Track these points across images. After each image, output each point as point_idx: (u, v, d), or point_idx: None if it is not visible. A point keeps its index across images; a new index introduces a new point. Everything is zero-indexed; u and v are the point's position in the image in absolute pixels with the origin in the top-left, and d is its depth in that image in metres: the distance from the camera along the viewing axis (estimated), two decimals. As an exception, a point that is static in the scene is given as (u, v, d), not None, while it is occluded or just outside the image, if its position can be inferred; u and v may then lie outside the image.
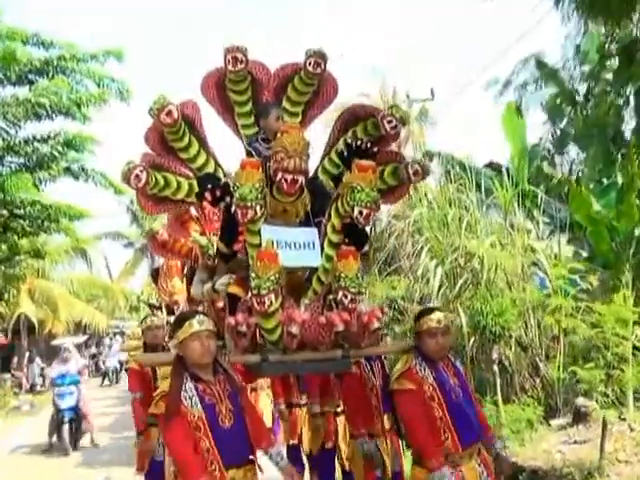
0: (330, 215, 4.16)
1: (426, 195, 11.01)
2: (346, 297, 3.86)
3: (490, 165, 14.22)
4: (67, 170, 14.40)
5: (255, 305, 3.73)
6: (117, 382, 23.40)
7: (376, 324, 4.03)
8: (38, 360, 24.09)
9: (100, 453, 11.17)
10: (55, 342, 26.24)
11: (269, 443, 3.89)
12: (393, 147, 4.89)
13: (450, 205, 10.37)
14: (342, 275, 3.84)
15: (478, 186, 10.65)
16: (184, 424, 3.54)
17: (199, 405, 3.58)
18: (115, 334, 31.59)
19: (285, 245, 4.01)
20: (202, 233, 5.74)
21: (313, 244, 4.13)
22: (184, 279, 7.54)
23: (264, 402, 8.66)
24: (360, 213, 3.92)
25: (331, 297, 4.03)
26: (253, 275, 3.71)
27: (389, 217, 13.75)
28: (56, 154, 13.83)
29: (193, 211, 5.92)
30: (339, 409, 5.46)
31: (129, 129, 4.34)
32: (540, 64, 12.12)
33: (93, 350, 29.85)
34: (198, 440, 3.53)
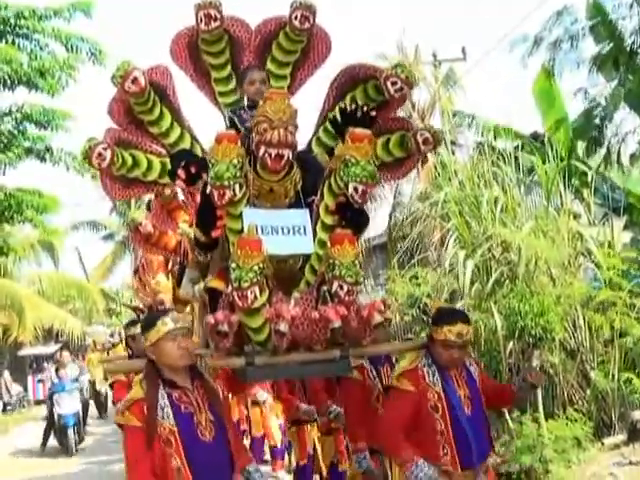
0: (323, 194, 4.24)
1: (455, 173, 11.01)
2: (342, 288, 3.90)
3: (535, 136, 14.15)
4: (30, 151, 14.46)
5: (237, 300, 3.78)
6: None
7: (378, 318, 4.09)
8: (7, 375, 24.22)
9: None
10: (23, 352, 26.45)
11: (247, 460, 3.96)
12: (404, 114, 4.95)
13: (484, 185, 10.38)
14: (337, 263, 3.89)
15: (518, 162, 10.66)
16: (157, 443, 3.58)
17: (171, 417, 3.63)
18: (61, 349, 23.59)
19: (272, 230, 4.10)
20: (192, 224, 5.80)
21: (304, 228, 4.21)
22: (169, 275, 7.63)
23: (271, 419, 8.83)
24: (355, 190, 4.00)
25: (325, 288, 4.08)
26: (233, 266, 3.75)
27: (412, 200, 13.81)
28: (16, 132, 13.90)
29: (181, 197, 5.98)
30: None
31: (105, 99, 4.38)
32: (595, 10, 11.90)
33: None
34: (168, 457, 3.57)
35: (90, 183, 16.78)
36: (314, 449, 6.82)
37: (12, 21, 13.33)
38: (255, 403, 8.88)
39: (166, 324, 3.73)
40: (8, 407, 23.09)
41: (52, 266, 29.05)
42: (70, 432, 13.64)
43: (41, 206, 15.07)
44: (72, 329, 25.48)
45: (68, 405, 13.90)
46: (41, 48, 13.85)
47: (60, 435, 13.94)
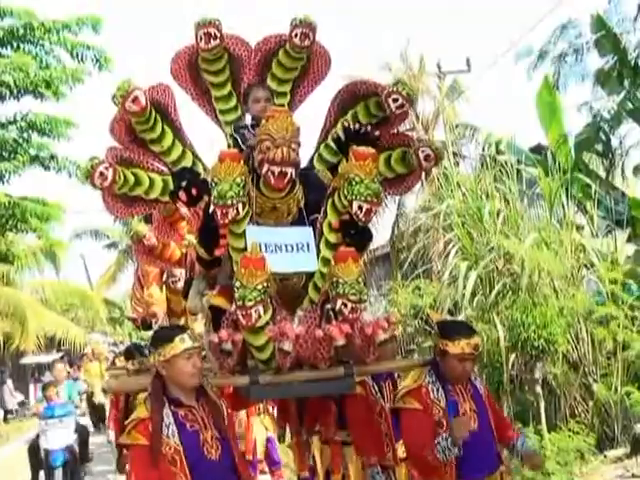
0: (326, 211, 4.24)
1: (458, 185, 11.05)
2: (346, 306, 3.89)
3: (538, 149, 14.18)
4: (35, 159, 14.53)
5: (240, 319, 3.77)
6: None
7: (382, 336, 4.08)
8: (9, 383, 24.24)
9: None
10: (25, 360, 26.43)
11: (247, 476, 3.96)
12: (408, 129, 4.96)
13: (487, 197, 10.42)
14: (340, 281, 3.88)
15: (520, 174, 10.69)
16: (162, 462, 3.57)
17: (177, 435, 3.63)
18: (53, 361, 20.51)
19: (275, 248, 4.10)
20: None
21: (308, 245, 4.20)
22: (163, 287, 7.63)
23: (258, 430, 8.79)
24: (359, 208, 3.99)
25: (329, 307, 4.08)
26: (237, 284, 3.74)
27: (415, 211, 13.84)
28: (20, 141, 13.96)
29: (184, 210, 5.99)
30: (349, 438, 5.52)
31: (111, 109, 4.40)
32: (600, 24, 11.97)
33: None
34: (173, 476, 3.56)
35: (92, 192, 16.68)
36: (314, 460, 6.80)
37: (21, 32, 13.40)
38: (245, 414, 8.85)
39: (184, 341, 3.71)
40: (9, 415, 23.06)
41: (54, 275, 29.03)
42: (58, 475, 10.05)
43: (45, 214, 15.10)
44: (74, 337, 25.45)
45: (58, 438, 10.16)
46: (46, 53, 13.91)
47: (47, 477, 10.20)
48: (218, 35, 4.48)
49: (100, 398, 16.65)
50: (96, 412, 17.95)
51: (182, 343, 3.70)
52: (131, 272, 35.04)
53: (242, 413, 8.51)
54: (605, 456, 8.29)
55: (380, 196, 4.07)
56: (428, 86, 17.75)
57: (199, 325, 8.00)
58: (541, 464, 4.83)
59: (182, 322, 6.06)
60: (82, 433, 11.08)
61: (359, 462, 5.32)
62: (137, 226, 6.80)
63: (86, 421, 15.41)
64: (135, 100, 4.18)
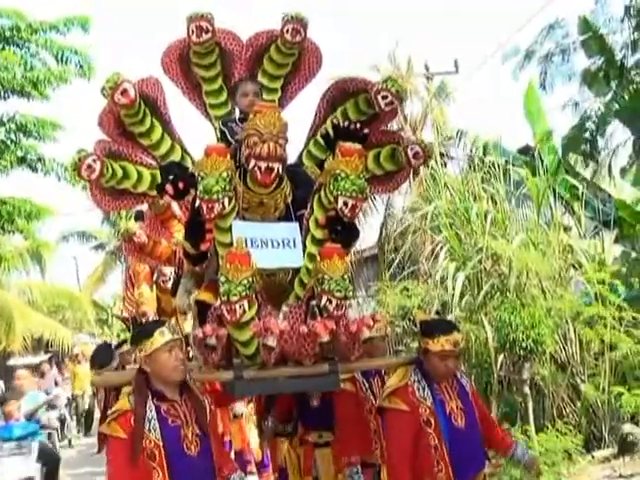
0: (313, 207, 4.25)
1: (446, 186, 11.05)
2: (331, 302, 3.89)
3: (526, 150, 14.22)
4: (22, 160, 14.47)
5: (225, 314, 3.78)
6: None
7: (367, 333, 4.10)
8: (0, 384, 24.07)
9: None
10: (11, 362, 26.25)
11: (231, 468, 3.98)
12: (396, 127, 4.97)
13: (474, 198, 10.43)
14: (326, 277, 3.88)
15: (508, 175, 10.71)
16: (141, 456, 3.55)
17: (158, 430, 3.60)
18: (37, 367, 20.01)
19: (261, 243, 4.11)
20: None
21: (294, 241, 4.22)
22: (153, 287, 7.61)
23: (250, 432, 8.78)
24: (345, 204, 4.00)
25: (314, 303, 4.07)
26: (222, 279, 3.75)
27: (403, 212, 13.84)
28: (8, 142, 13.90)
29: (175, 208, 5.94)
30: (321, 440, 5.45)
31: (96, 111, 4.39)
32: (586, 25, 12.01)
33: None
34: (150, 471, 3.54)
35: (81, 193, 16.65)
36: (285, 462, 6.73)
37: (7, 33, 13.35)
38: (235, 417, 8.82)
39: (163, 334, 3.68)
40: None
41: (52, 275, 28.92)
42: None
43: (33, 214, 15.03)
44: (62, 339, 25.27)
45: (13, 468, 8.13)
46: (32, 55, 13.87)
47: None
48: (210, 29, 4.49)
49: (89, 402, 16.38)
50: (86, 419, 17.50)
51: (162, 336, 3.68)
52: (119, 273, 35.18)
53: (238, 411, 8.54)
54: (593, 456, 8.31)
55: (365, 192, 4.08)
56: (416, 87, 17.79)
57: (189, 324, 8.01)
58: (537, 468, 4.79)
59: (173, 322, 6.01)
60: (49, 461, 8.83)
61: (332, 466, 5.26)
62: (127, 224, 6.76)
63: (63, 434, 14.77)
64: (124, 92, 4.18)
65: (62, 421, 14.05)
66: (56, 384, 15.79)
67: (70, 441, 15.64)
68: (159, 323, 3.90)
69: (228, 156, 4.01)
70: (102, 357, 6.28)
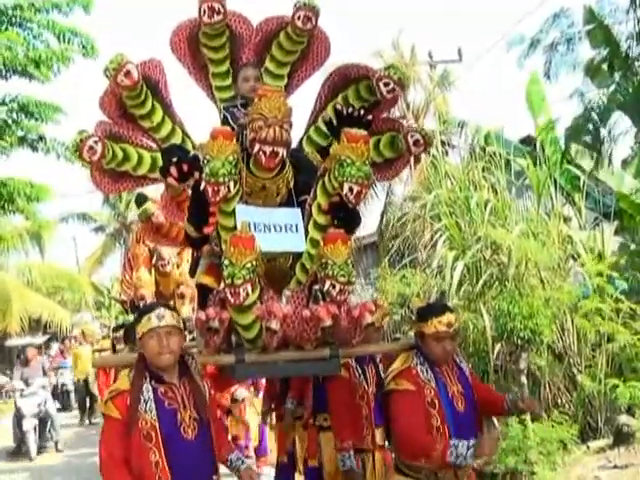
0: (316, 193, 4.25)
1: (447, 174, 11.04)
2: (334, 287, 3.91)
3: (527, 140, 14.20)
4: (22, 140, 14.43)
5: (229, 297, 3.79)
6: None
7: (369, 318, 4.11)
8: None
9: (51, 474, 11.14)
10: (9, 343, 26.32)
11: (228, 449, 4.02)
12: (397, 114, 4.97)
13: (475, 187, 10.42)
14: (329, 262, 3.90)
15: (510, 165, 10.71)
16: (137, 436, 3.58)
17: (154, 411, 3.62)
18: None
19: (264, 228, 4.11)
20: None
21: (296, 226, 4.23)
22: (152, 270, 7.63)
23: (252, 416, 8.82)
24: (350, 190, 4.01)
25: (317, 287, 4.08)
26: (226, 263, 3.75)
27: (404, 199, 13.84)
28: (9, 121, 13.86)
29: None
30: (326, 423, 5.48)
31: (98, 92, 4.38)
32: (591, 15, 11.94)
33: None
34: (146, 451, 3.57)
35: (80, 174, 16.55)
36: (293, 445, 6.77)
37: (10, 12, 13.28)
38: (235, 401, 8.85)
39: (150, 320, 3.70)
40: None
41: (51, 255, 28.91)
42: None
43: (33, 195, 14.96)
44: (61, 320, 25.32)
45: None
46: (34, 37, 13.79)
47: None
48: (222, 10, 4.50)
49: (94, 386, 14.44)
50: (92, 403, 15.93)
51: (148, 322, 3.71)
52: (118, 256, 35.16)
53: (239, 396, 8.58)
54: (588, 447, 8.31)
55: (371, 178, 4.11)
56: (419, 75, 17.75)
57: (187, 308, 8.04)
58: (535, 406, 4.76)
59: (171, 305, 6.04)
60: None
61: (334, 448, 5.29)
62: (146, 204, 6.73)
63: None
64: (128, 74, 4.18)
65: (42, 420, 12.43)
66: (44, 373, 13.65)
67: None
68: (150, 308, 3.85)
69: (234, 140, 4.02)
70: None
